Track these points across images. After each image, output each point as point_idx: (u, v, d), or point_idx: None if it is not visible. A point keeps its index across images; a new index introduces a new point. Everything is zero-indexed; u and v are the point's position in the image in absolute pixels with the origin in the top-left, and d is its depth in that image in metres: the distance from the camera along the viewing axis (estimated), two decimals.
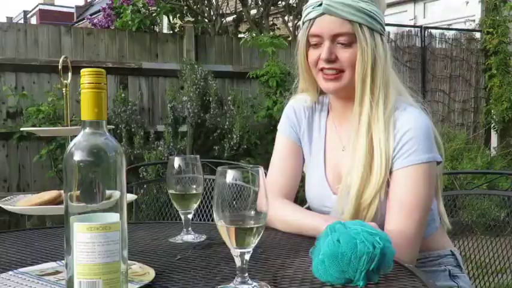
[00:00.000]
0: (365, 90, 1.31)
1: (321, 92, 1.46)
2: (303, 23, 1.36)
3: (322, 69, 1.34)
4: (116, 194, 0.77)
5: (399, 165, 1.28)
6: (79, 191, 0.75)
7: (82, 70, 0.75)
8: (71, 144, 0.76)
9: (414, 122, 1.30)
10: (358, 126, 1.32)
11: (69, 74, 0.98)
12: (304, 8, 1.36)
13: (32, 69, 4.50)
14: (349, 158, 1.33)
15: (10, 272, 1.01)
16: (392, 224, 1.26)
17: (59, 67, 0.95)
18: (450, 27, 7.02)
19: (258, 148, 4.63)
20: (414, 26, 6.66)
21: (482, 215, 2.19)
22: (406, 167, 1.27)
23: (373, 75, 1.30)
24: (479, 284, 1.78)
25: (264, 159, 4.37)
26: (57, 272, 0.99)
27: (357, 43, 1.29)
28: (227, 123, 4.42)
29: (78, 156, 0.75)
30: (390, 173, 1.29)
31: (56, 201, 0.98)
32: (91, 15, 9.24)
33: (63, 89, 0.96)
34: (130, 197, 1.08)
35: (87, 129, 0.77)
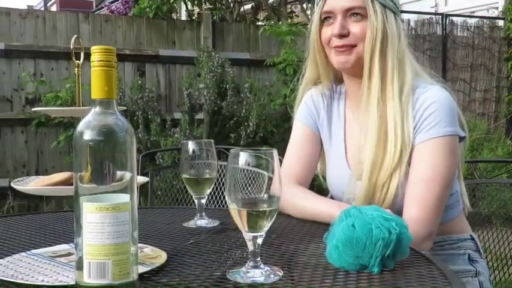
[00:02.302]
0: (373, 65, 1.29)
1: (336, 80, 1.45)
2: (317, 3, 1.35)
3: (335, 47, 1.33)
4: (127, 175, 0.76)
5: (420, 139, 1.27)
6: (89, 172, 0.74)
7: (92, 48, 0.74)
8: (81, 123, 0.74)
9: (435, 97, 1.28)
10: (367, 101, 1.31)
11: (82, 53, 0.97)
12: None
13: (50, 56, 4.52)
14: (361, 136, 1.31)
15: (23, 253, 1.01)
16: (410, 196, 1.24)
17: (71, 47, 0.94)
18: (472, 14, 6.87)
19: (274, 136, 4.61)
20: (435, 14, 6.53)
21: (502, 206, 2.14)
22: (427, 140, 1.26)
23: (383, 51, 1.29)
24: (498, 275, 1.75)
25: (281, 147, 4.30)
26: (69, 254, 0.99)
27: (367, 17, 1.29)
28: (244, 111, 4.40)
29: (87, 136, 0.73)
30: (412, 150, 1.27)
31: (67, 182, 0.98)
32: (110, 3, 9.25)
33: (76, 69, 0.95)
34: (142, 179, 1.07)
35: (97, 109, 0.75)
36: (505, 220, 1.95)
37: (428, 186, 1.23)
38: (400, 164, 1.26)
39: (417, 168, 1.25)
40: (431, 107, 1.27)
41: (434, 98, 1.28)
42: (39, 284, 0.83)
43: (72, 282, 0.79)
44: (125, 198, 0.75)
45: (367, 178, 1.27)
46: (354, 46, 1.31)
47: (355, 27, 1.30)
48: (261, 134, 4.42)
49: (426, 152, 1.25)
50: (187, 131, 4.20)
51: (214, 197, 2.07)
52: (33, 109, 1.19)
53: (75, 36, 0.96)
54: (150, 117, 4.26)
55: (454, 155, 1.27)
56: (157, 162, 3.99)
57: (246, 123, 4.38)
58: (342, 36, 1.30)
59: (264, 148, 0.88)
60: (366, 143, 1.29)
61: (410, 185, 1.25)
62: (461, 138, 1.31)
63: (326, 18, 1.33)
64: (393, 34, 1.30)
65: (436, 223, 1.25)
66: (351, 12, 1.29)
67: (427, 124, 1.26)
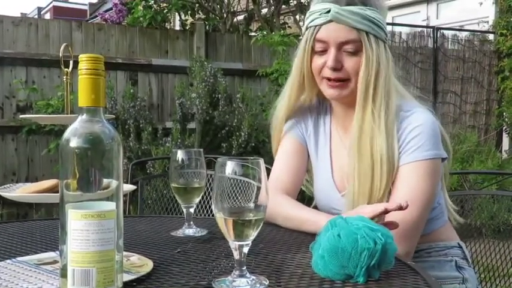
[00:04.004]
0: (367, 99, 1.30)
1: (321, 97, 1.46)
2: (307, 28, 1.34)
3: (327, 79, 1.33)
4: (113, 183, 0.76)
5: (403, 161, 1.28)
6: (75, 179, 0.74)
7: (80, 56, 0.74)
8: (67, 131, 0.75)
9: (419, 120, 1.30)
10: (359, 136, 1.31)
11: (71, 61, 0.97)
12: (309, 13, 1.34)
13: (42, 64, 4.51)
14: (351, 166, 1.32)
15: (8, 261, 1.01)
16: (390, 217, 1.24)
17: (60, 55, 0.94)
18: (463, 28, 6.95)
19: (266, 146, 4.61)
20: (427, 27, 6.60)
21: (491, 218, 2.16)
22: (409, 163, 1.27)
23: (375, 84, 1.30)
24: (486, 285, 1.76)
25: (272, 157, 4.33)
26: (55, 262, 0.99)
27: (362, 51, 1.28)
28: (235, 120, 4.41)
29: (74, 143, 0.74)
30: (396, 170, 1.28)
31: (54, 189, 0.98)
32: (104, 12, 9.26)
33: (64, 77, 0.95)
34: (129, 187, 1.07)
35: (84, 116, 0.76)
36: (494, 231, 1.96)
37: (408, 208, 1.24)
38: (387, 191, 1.27)
39: (398, 189, 1.27)
40: (414, 130, 1.28)
41: (418, 122, 1.29)
42: None
43: None
44: (110, 205, 0.75)
45: (357, 200, 1.28)
46: (346, 80, 1.31)
47: (348, 62, 1.29)
48: (253, 144, 4.42)
49: (408, 175, 1.27)
50: (179, 140, 4.20)
51: (203, 207, 2.07)
52: (21, 116, 1.19)
53: (64, 44, 0.96)
54: (141, 126, 4.25)
55: (434, 177, 1.29)
56: (148, 171, 3.98)
57: (237, 133, 4.38)
58: (335, 69, 1.30)
59: (251, 158, 0.89)
60: (360, 174, 1.29)
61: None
62: (444, 159, 1.32)
63: (319, 46, 1.31)
64: (384, 66, 1.30)
65: (414, 243, 1.27)
66: (345, 46, 1.29)
67: (410, 147, 1.28)
